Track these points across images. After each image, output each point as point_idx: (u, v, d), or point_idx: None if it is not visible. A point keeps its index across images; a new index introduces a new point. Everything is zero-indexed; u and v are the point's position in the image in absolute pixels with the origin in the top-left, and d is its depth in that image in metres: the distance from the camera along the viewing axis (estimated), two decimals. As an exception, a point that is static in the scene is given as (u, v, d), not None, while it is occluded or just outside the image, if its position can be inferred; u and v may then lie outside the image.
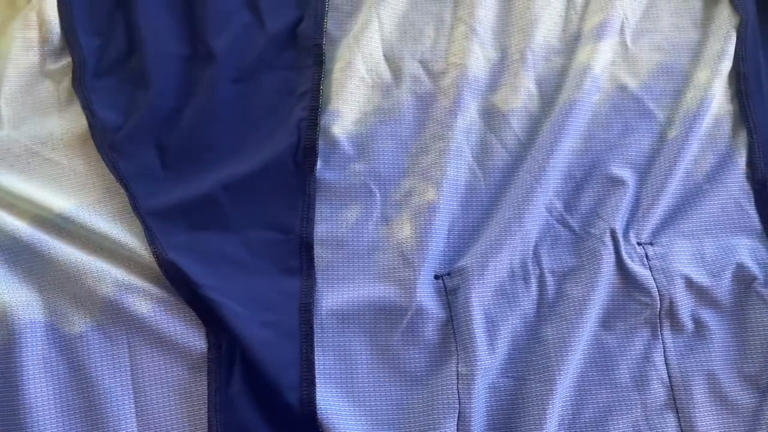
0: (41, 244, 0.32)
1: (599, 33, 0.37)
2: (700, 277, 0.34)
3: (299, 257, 0.34)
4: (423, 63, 0.37)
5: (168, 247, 0.32)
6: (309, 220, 0.35)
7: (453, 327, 0.34)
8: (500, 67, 0.37)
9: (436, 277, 0.35)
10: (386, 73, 0.37)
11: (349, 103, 0.36)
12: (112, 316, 0.31)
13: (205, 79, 0.35)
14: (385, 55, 0.37)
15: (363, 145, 0.36)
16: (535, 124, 0.37)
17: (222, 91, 0.36)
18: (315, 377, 0.32)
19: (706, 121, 0.37)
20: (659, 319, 0.35)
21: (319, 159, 0.36)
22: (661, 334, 0.35)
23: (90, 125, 0.35)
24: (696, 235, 0.36)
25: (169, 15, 0.36)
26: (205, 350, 0.32)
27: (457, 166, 0.36)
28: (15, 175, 0.34)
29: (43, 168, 0.34)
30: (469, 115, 0.37)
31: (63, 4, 0.36)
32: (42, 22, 0.36)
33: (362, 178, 0.36)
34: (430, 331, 0.34)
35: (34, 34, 0.36)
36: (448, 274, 0.35)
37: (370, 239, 0.35)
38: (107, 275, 0.31)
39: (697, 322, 0.34)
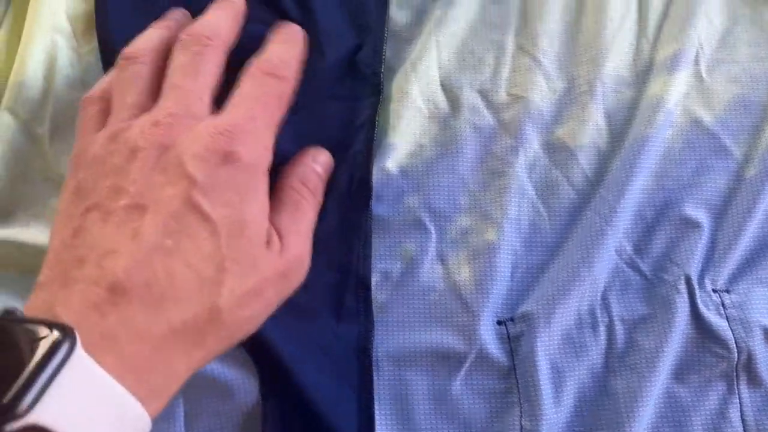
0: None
1: (673, 64, 0.36)
2: (782, 329, 0.33)
3: (356, 298, 0.33)
4: (482, 93, 0.36)
5: None
6: (366, 259, 0.34)
7: (516, 377, 0.32)
8: (566, 99, 0.36)
9: (499, 322, 0.33)
10: (443, 103, 0.36)
11: (405, 135, 0.35)
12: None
13: None
14: (442, 84, 0.36)
15: (418, 178, 0.36)
16: (604, 160, 0.35)
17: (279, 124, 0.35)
18: (374, 429, 0.31)
19: (788, 159, 0.35)
20: (736, 373, 0.33)
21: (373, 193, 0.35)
22: (738, 389, 0.33)
23: None
24: (777, 282, 0.34)
25: None
26: (259, 398, 0.32)
27: (519, 205, 0.35)
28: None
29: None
30: (533, 150, 0.35)
31: (104, 35, 0.36)
32: (83, 60, 0.37)
33: (416, 213, 0.36)
34: (491, 380, 0.33)
35: (77, 72, 0.36)
36: (511, 320, 0.33)
37: (426, 280, 0.35)
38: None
39: (778, 378, 0.32)
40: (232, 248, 0.27)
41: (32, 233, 0.34)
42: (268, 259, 0.28)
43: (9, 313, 0.23)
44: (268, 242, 0.28)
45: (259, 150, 0.29)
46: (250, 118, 0.28)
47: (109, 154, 0.27)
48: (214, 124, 0.28)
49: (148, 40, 0.31)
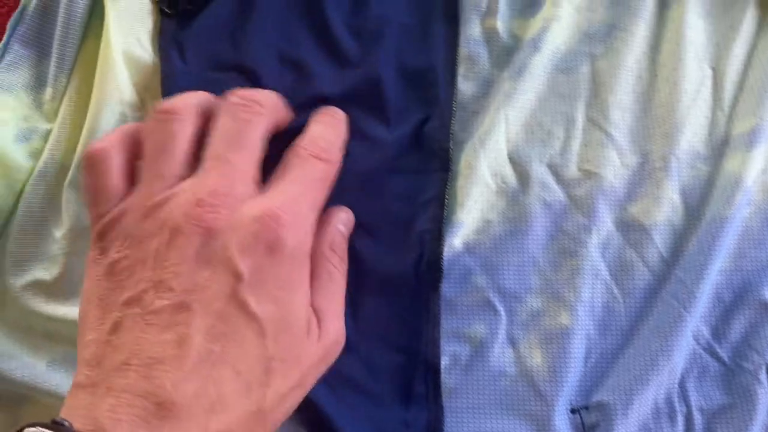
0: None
1: (750, 140, 0.35)
2: None
3: (425, 383, 0.33)
4: (552, 168, 0.35)
5: None
6: (434, 342, 0.34)
7: (591, 470, 0.31)
8: (640, 175, 0.35)
9: (573, 411, 0.32)
10: (512, 178, 0.35)
11: (473, 212, 0.34)
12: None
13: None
14: (510, 158, 0.36)
15: (486, 256, 0.36)
16: (680, 240, 0.35)
17: (341, 195, 0.34)
18: None
19: None
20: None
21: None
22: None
23: None
24: None
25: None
26: None
27: (592, 287, 0.34)
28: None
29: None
30: (606, 228, 0.34)
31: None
32: None
33: (485, 293, 0.35)
34: (564, 473, 0.32)
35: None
36: (586, 408, 0.32)
37: (497, 364, 0.34)
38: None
39: None
40: (278, 346, 0.26)
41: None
42: (309, 349, 0.28)
43: (58, 425, 0.23)
44: (308, 329, 0.28)
45: (303, 236, 0.28)
46: (296, 203, 0.28)
47: (147, 235, 0.26)
48: (260, 208, 0.27)
49: (191, 97, 0.30)
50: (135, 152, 0.29)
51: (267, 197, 0.28)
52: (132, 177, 0.28)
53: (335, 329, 0.30)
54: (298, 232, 0.27)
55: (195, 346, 0.24)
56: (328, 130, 0.32)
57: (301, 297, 0.28)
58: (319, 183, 0.30)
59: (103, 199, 0.28)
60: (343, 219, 0.33)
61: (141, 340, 0.25)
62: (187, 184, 0.27)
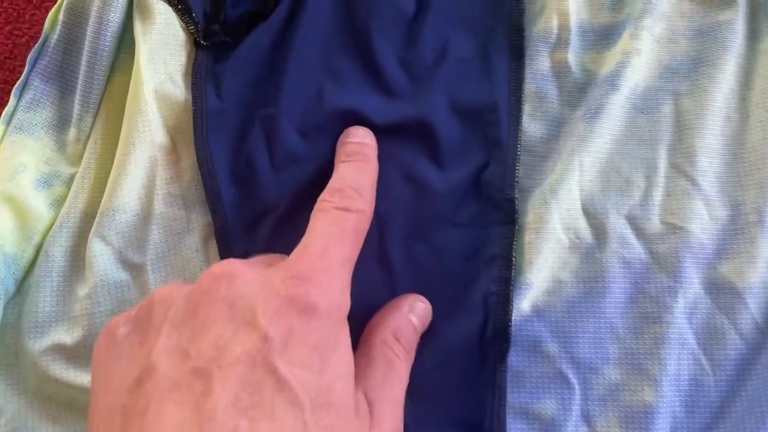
0: None
1: None
2: None
3: (490, 463, 0.29)
4: (631, 221, 0.32)
5: None
6: (500, 420, 0.31)
7: None
8: (731, 229, 0.32)
9: (657, 501, 0.28)
10: (586, 232, 0.32)
11: (543, 271, 0.31)
12: None
13: (372, 237, 0.29)
14: (584, 209, 0.32)
15: (558, 322, 0.32)
16: None
17: (391, 252, 0.31)
18: None
19: None
20: None
21: (509, 342, 0.32)
22: None
23: None
24: None
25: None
26: None
27: (678, 358, 0.32)
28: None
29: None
30: (693, 290, 0.31)
31: (202, 151, 0.33)
32: (183, 176, 0.33)
33: (557, 364, 0.32)
34: None
35: (178, 190, 0.31)
36: (672, 497, 0.28)
37: None
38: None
39: None
40: (318, 421, 0.23)
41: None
42: None
43: None
44: (357, 410, 0.25)
45: (336, 295, 0.25)
46: (325, 260, 0.26)
47: (155, 304, 0.25)
48: (285, 267, 0.25)
49: None
50: None
51: (294, 257, 0.26)
52: None
53: (392, 419, 0.26)
54: (330, 292, 0.25)
55: (218, 422, 0.21)
56: (356, 173, 0.30)
57: (343, 367, 0.25)
58: (350, 236, 0.28)
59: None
60: (418, 310, 0.30)
61: (162, 417, 0.22)
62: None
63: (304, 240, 0.27)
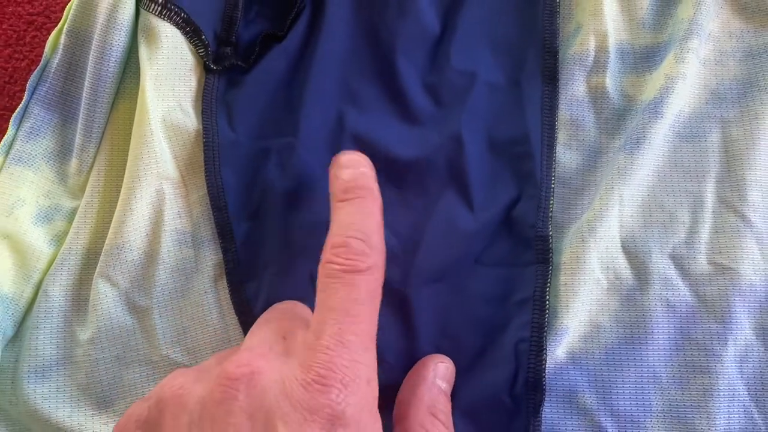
0: None
1: None
2: None
3: None
4: (676, 260, 0.30)
5: None
6: None
7: None
8: None
9: None
10: (626, 272, 0.30)
11: (579, 314, 0.29)
12: None
13: (390, 280, 0.28)
14: (624, 247, 0.30)
15: (596, 371, 0.30)
16: None
17: (412, 295, 0.29)
18: None
19: None
20: None
21: (542, 393, 0.30)
22: None
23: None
24: None
25: None
26: None
27: (728, 411, 0.30)
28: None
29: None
30: (744, 337, 0.30)
31: (213, 185, 0.31)
32: (192, 211, 0.32)
33: (595, 416, 0.30)
34: None
35: (187, 226, 0.29)
36: None
37: None
38: None
39: None
40: None
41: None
42: None
43: None
44: None
45: (362, 391, 0.23)
46: (344, 349, 0.23)
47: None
48: (304, 364, 0.23)
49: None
50: None
51: (310, 348, 0.23)
52: None
53: None
54: (357, 391, 0.23)
55: None
56: (359, 217, 0.26)
57: None
58: (367, 306, 0.25)
59: None
60: (441, 372, 0.28)
61: None
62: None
63: (317, 320, 0.24)
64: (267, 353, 0.24)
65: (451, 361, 0.29)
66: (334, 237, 0.26)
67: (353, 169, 0.28)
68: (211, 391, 0.23)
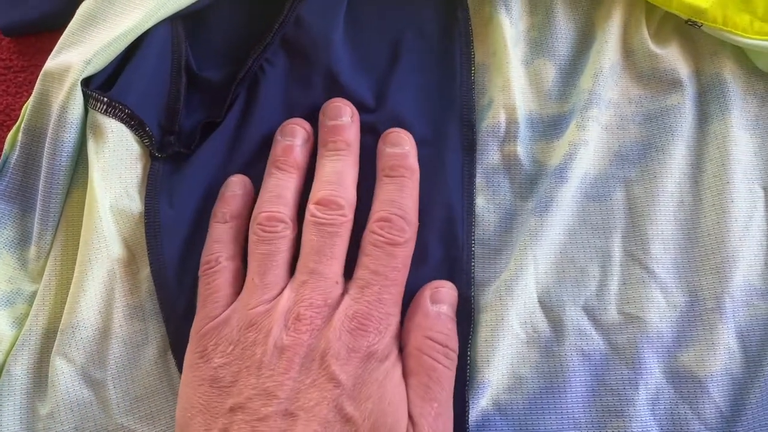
0: None
1: (816, 272, 0.31)
2: None
3: None
4: (589, 312, 0.33)
5: None
6: None
7: None
8: (690, 317, 0.33)
9: None
10: (543, 325, 0.33)
11: (501, 368, 0.31)
12: None
13: None
14: (540, 303, 0.33)
15: (520, 419, 0.33)
16: (741, 392, 0.32)
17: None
18: None
19: None
20: None
21: (469, 442, 0.32)
22: None
23: None
24: None
25: None
26: None
27: None
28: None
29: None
30: (654, 381, 0.32)
31: (156, 262, 0.34)
32: (142, 286, 0.35)
33: None
34: None
35: (137, 301, 0.32)
36: None
37: None
38: None
39: None
40: None
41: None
42: None
43: None
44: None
45: (391, 335, 0.31)
46: (380, 304, 0.31)
47: (250, 343, 0.30)
48: (348, 317, 0.30)
49: (286, 206, 0.33)
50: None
51: (353, 303, 0.31)
52: (239, 283, 0.33)
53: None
54: (386, 334, 0.31)
55: None
56: (401, 195, 0.33)
57: (397, 402, 0.29)
58: (401, 273, 0.32)
59: (212, 301, 0.32)
60: (440, 296, 0.33)
61: None
62: (285, 296, 0.31)
63: (361, 279, 0.31)
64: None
65: (452, 285, 0.33)
66: (379, 211, 0.33)
67: (399, 148, 0.34)
68: (291, 323, 0.30)
